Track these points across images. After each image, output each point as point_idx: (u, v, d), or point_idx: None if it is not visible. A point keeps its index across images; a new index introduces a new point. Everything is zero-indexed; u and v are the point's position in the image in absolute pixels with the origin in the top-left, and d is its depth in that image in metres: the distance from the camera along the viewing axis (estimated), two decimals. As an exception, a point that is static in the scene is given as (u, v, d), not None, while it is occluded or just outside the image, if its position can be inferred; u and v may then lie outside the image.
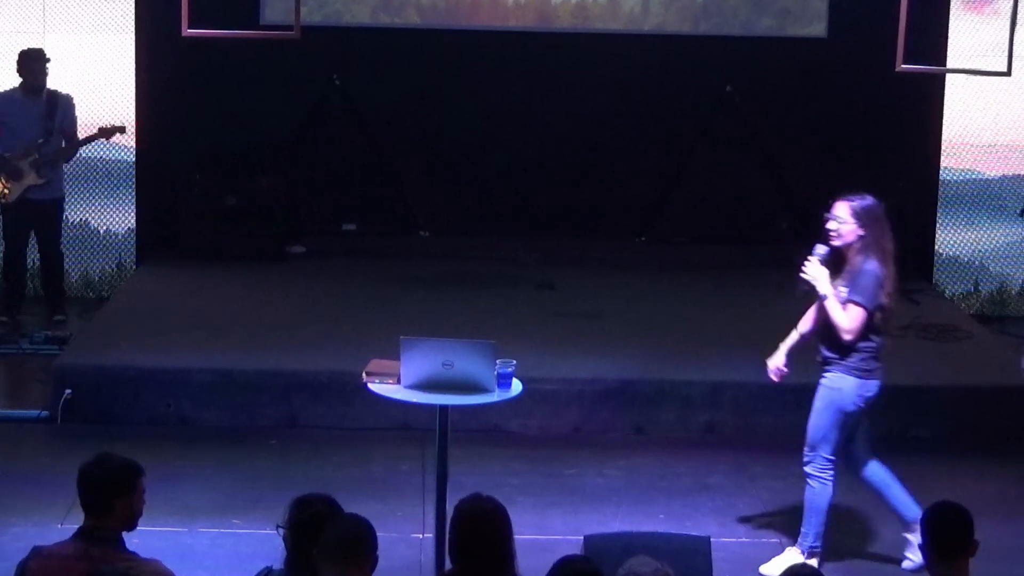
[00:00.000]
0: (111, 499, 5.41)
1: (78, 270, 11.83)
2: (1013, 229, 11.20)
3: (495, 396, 7.15)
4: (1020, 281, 11.92)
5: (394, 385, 7.14)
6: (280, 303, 10.81)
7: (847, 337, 7.22)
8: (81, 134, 10.96)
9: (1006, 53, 9.05)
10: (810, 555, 7.37)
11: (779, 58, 12.12)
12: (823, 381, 7.40)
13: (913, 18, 9.11)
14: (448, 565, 5.44)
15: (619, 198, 12.22)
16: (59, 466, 8.61)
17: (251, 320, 10.36)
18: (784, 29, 12.20)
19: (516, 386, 7.20)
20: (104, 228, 11.93)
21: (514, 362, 7.20)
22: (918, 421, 9.41)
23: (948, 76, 11.58)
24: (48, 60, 10.87)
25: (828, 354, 7.34)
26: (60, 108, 10.86)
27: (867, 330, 7.26)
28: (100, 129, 10.98)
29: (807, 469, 7.44)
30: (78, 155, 11.12)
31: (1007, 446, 9.19)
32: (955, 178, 11.99)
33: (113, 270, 11.95)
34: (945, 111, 11.89)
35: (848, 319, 7.21)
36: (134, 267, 11.89)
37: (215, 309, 10.59)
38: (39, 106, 10.84)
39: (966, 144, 11.83)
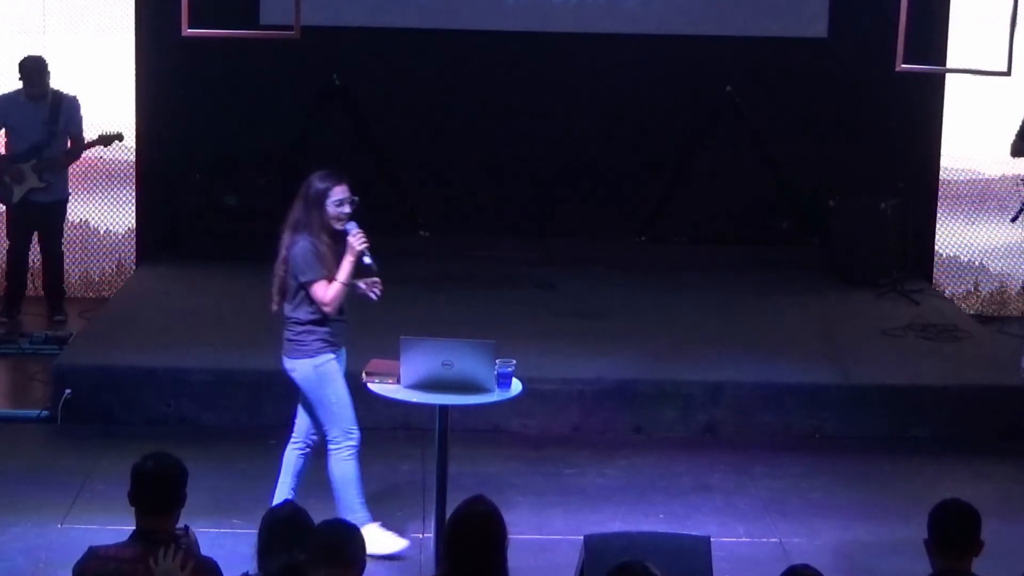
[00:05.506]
0: (173, 498, 5.40)
1: (78, 270, 11.82)
2: (1013, 229, 11.20)
3: (495, 396, 7.17)
4: (1020, 281, 11.91)
5: (394, 385, 7.15)
6: (280, 303, 10.80)
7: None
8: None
9: (1006, 53, 9.06)
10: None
11: (779, 58, 12.10)
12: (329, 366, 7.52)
13: (913, 18, 9.12)
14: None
15: (619, 198, 12.21)
16: (59, 466, 8.64)
17: (251, 320, 10.31)
18: (784, 29, 12.17)
19: (516, 386, 7.21)
20: (104, 228, 11.93)
21: (514, 362, 7.21)
22: (918, 421, 9.41)
23: (948, 76, 11.58)
24: (48, 70, 10.87)
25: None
26: (64, 110, 10.86)
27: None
28: (100, 136, 11.01)
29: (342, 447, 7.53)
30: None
31: (1007, 446, 9.19)
32: (955, 178, 11.98)
33: (113, 270, 11.94)
34: (945, 111, 11.89)
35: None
36: (134, 267, 11.89)
37: (215, 309, 10.58)
38: (43, 109, 10.84)
39: (966, 144, 11.82)
